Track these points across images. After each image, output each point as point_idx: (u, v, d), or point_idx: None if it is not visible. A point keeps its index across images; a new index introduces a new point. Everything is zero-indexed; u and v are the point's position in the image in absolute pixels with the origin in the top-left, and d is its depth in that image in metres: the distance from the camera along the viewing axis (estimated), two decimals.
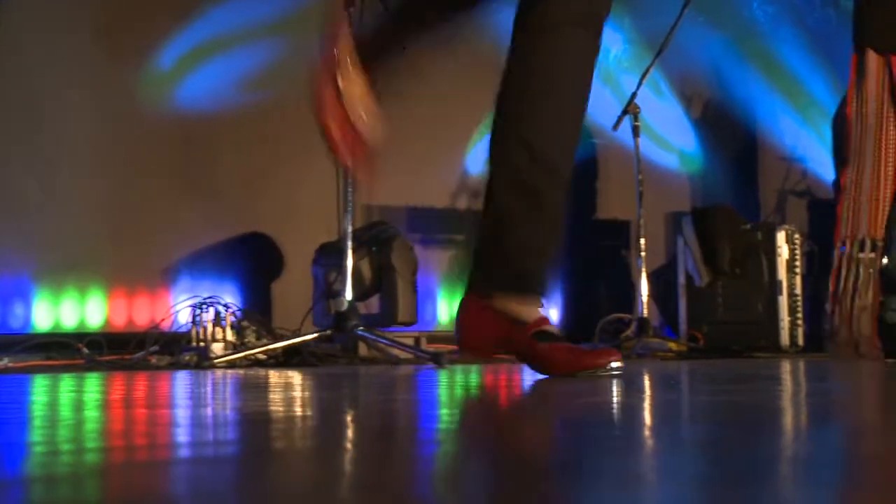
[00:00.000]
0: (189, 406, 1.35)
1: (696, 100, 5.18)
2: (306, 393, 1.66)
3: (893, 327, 2.94)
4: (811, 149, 5.08)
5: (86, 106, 3.65)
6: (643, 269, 3.85)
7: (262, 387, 1.80)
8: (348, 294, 2.90)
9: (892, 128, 2.89)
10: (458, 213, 4.50)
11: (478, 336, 1.83)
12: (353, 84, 1.78)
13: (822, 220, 4.75)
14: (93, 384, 1.93)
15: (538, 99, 1.78)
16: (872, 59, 2.90)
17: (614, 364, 1.79)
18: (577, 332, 4.44)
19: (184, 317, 3.18)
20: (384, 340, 2.83)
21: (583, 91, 1.81)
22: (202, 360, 2.89)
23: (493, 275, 1.82)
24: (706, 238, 4.25)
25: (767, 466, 0.68)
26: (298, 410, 1.24)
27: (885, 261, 3.05)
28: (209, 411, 1.24)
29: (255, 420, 1.11)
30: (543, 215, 1.79)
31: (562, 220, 1.82)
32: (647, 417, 1.11)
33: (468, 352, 1.87)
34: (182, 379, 2.15)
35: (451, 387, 1.71)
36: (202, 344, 3.00)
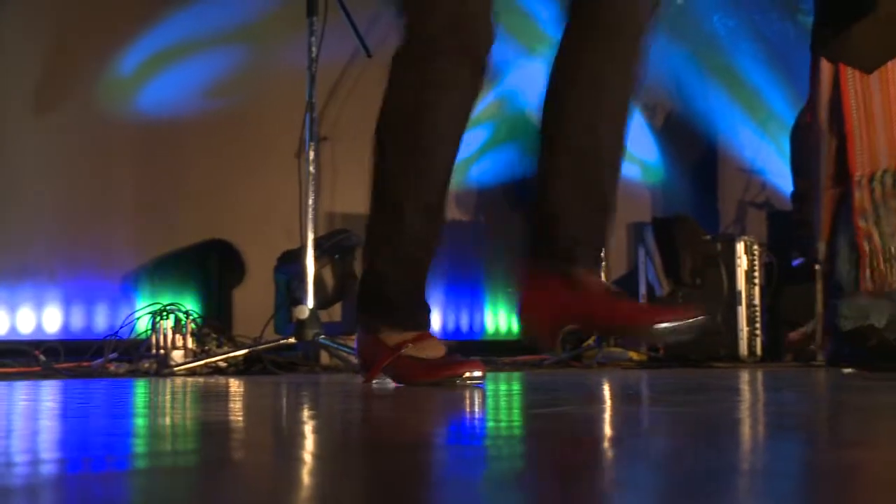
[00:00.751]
0: (148, 415, 1.34)
1: (657, 111, 5.23)
2: (261, 401, 1.65)
3: (847, 334, 2.97)
4: (770, 161, 5.15)
5: (44, 112, 3.60)
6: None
7: (221, 395, 1.79)
8: (310, 302, 2.89)
9: (833, 137, 2.94)
10: None
11: (369, 367, 1.86)
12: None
13: (781, 231, 4.82)
14: (49, 392, 1.90)
15: (407, 154, 1.80)
16: (825, 67, 2.95)
17: (475, 374, 1.78)
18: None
19: (143, 324, 3.14)
20: (345, 349, 2.82)
21: (454, 132, 1.82)
22: (161, 368, 2.87)
23: (371, 307, 1.86)
24: (667, 248, 4.29)
25: (724, 479, 0.69)
26: (253, 420, 1.23)
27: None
28: (167, 421, 1.23)
29: (213, 430, 1.10)
30: (420, 257, 1.82)
31: (432, 258, 1.85)
32: (607, 429, 1.12)
33: (368, 378, 1.88)
34: (141, 387, 2.13)
35: (404, 396, 1.71)
36: (162, 351, 2.97)
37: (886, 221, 2.84)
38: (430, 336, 1.84)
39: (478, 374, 1.78)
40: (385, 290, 1.83)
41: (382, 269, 1.83)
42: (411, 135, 1.79)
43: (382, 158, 1.82)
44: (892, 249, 2.84)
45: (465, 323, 4.61)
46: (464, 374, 1.78)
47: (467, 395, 1.63)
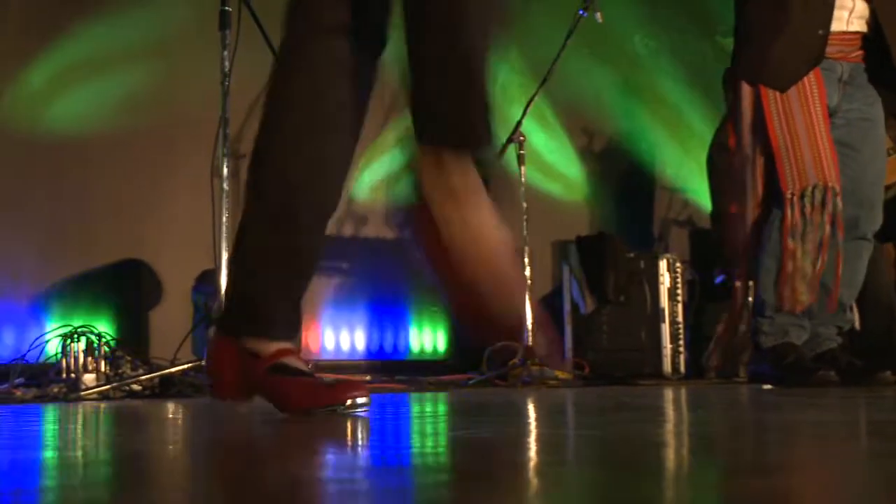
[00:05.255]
0: (55, 446, 1.26)
1: (582, 129, 5.26)
2: (160, 428, 1.58)
3: (766, 352, 3.01)
4: (692, 179, 5.22)
5: None
6: (529, 297, 3.86)
7: (130, 421, 1.70)
8: None
9: (759, 155, 2.99)
10: (344, 239, 4.44)
11: (222, 378, 1.67)
12: (477, 211, 1.41)
13: (703, 248, 4.88)
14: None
15: (293, 131, 1.60)
16: (746, 90, 2.99)
17: (360, 400, 1.59)
18: (465, 360, 4.43)
19: (53, 347, 3.02)
20: None
21: (345, 119, 1.62)
22: (70, 393, 2.75)
23: (233, 314, 1.67)
24: (591, 266, 4.30)
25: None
26: (157, 447, 1.16)
27: (750, 283, 3.14)
28: (76, 450, 1.16)
29: (124, 459, 1.03)
30: (293, 259, 1.64)
31: (317, 261, 1.68)
32: (534, 456, 1.08)
33: (219, 396, 1.71)
34: (49, 413, 2.03)
35: (322, 419, 1.65)
36: (73, 375, 2.86)
37: (810, 238, 2.88)
38: (298, 352, 1.66)
39: (362, 400, 1.60)
40: (259, 298, 1.64)
41: (259, 272, 1.64)
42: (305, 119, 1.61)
43: (269, 144, 1.63)
44: (808, 269, 2.88)
45: (388, 342, 4.55)
46: (346, 400, 1.59)
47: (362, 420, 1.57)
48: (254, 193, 1.65)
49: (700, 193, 5.03)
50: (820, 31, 2.92)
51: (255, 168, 1.65)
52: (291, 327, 1.67)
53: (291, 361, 1.63)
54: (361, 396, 1.60)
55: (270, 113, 1.64)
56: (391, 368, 4.23)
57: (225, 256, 2.90)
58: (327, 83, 1.61)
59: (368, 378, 3.75)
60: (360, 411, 1.60)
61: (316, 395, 1.59)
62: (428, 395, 2.88)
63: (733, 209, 3.07)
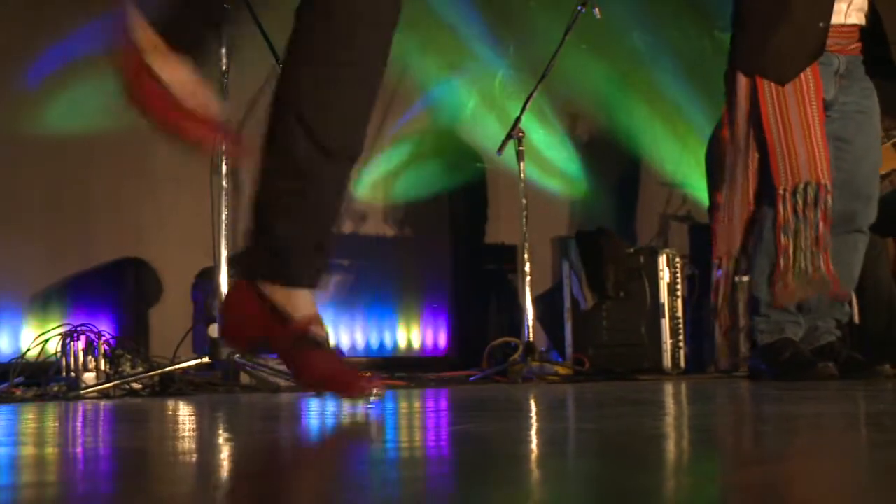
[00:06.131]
0: (57, 443, 1.26)
1: (580, 125, 5.26)
2: (160, 425, 1.58)
3: (764, 349, 3.01)
4: (690, 174, 5.22)
5: None
6: (529, 293, 3.87)
7: (128, 419, 1.71)
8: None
9: (753, 149, 2.98)
10: (344, 237, 4.44)
11: (238, 325, 1.66)
12: (176, 69, 1.62)
13: (703, 243, 4.88)
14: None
15: (320, 73, 1.61)
16: (742, 82, 2.98)
17: (375, 391, 1.59)
18: (465, 356, 4.43)
19: (53, 346, 3.02)
20: (262, 368, 2.75)
21: (372, 62, 1.62)
22: (70, 391, 2.75)
23: (259, 260, 1.64)
24: (591, 262, 4.30)
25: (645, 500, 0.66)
26: (156, 445, 1.17)
27: (745, 278, 3.14)
28: (77, 448, 1.16)
29: (122, 456, 1.04)
30: (315, 201, 1.62)
31: (339, 204, 1.66)
32: (534, 448, 1.08)
33: (227, 342, 1.68)
34: (49, 411, 2.03)
35: (314, 418, 1.65)
36: (72, 374, 2.86)
37: (804, 235, 2.88)
38: (319, 320, 1.63)
39: (378, 393, 1.60)
40: (279, 242, 1.62)
41: (276, 218, 1.62)
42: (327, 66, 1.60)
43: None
44: (803, 265, 2.88)
45: (389, 339, 4.56)
46: (371, 389, 1.58)
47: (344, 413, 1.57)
48: (269, 137, 1.64)
49: (699, 189, 5.03)
50: (821, 24, 2.91)
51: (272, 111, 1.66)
52: (312, 273, 1.64)
53: (317, 332, 1.61)
54: (378, 395, 1.60)
55: (289, 59, 1.65)
56: (392, 365, 4.23)
57: (224, 254, 2.90)
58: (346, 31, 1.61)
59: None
60: (372, 402, 1.61)
61: (339, 379, 1.59)
62: (429, 391, 2.88)
63: (720, 199, 3.06)
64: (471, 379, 3.62)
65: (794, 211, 2.88)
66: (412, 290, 4.65)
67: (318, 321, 1.63)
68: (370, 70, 1.64)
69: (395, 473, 0.87)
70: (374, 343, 4.48)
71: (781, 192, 2.89)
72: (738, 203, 3.00)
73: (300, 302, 1.62)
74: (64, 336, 2.92)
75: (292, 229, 1.62)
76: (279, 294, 1.62)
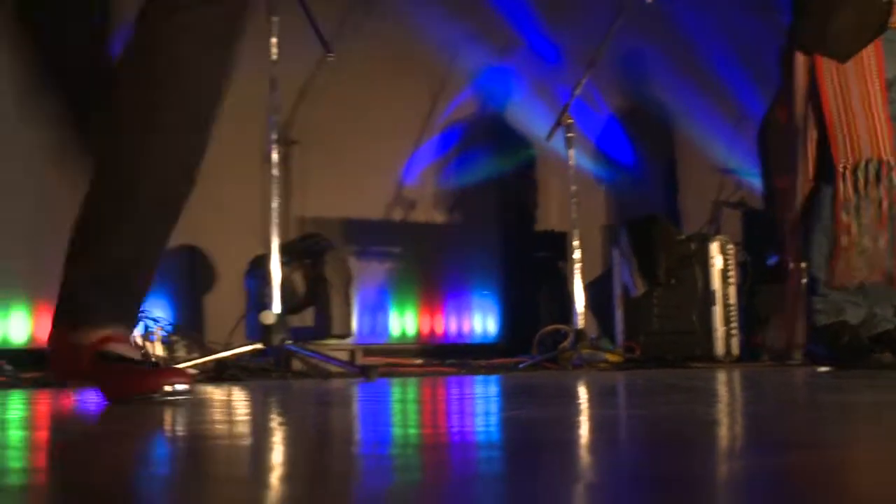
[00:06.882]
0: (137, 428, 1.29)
1: (630, 111, 5.22)
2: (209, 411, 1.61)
3: (821, 331, 2.95)
4: (744, 160, 5.15)
5: (8, 115, 3.53)
6: (579, 280, 3.85)
7: (184, 403, 1.74)
8: (276, 307, 2.84)
9: (813, 129, 2.91)
10: (394, 224, 4.46)
11: (62, 367, 1.64)
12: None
13: (756, 230, 4.82)
14: (16, 402, 1.85)
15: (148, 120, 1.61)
16: (800, 60, 2.92)
17: (179, 387, 1.53)
18: (515, 344, 4.43)
19: None
20: (313, 354, 2.78)
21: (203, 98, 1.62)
22: None
23: (59, 306, 1.64)
24: (641, 249, 4.27)
25: (701, 489, 0.66)
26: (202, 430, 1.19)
27: (803, 265, 3.08)
28: (148, 433, 1.19)
29: (185, 440, 1.06)
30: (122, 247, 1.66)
31: (157, 251, 1.68)
32: (584, 434, 1.09)
33: (58, 381, 1.68)
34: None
35: (369, 402, 1.67)
36: None
37: (866, 213, 2.82)
38: (126, 339, 1.62)
39: (182, 387, 1.54)
40: (76, 287, 1.62)
41: (75, 261, 1.62)
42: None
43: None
44: (866, 242, 2.81)
45: (439, 326, 4.57)
46: (163, 387, 1.53)
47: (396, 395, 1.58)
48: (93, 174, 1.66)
49: (752, 174, 4.97)
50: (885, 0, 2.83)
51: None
52: (117, 314, 1.63)
53: (116, 348, 1.58)
54: (181, 383, 1.55)
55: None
56: (442, 352, 4.25)
57: (276, 242, 2.93)
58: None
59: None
60: (181, 398, 1.54)
61: (131, 382, 1.55)
62: (479, 378, 2.89)
63: (782, 184, 3.00)
64: (520, 366, 3.62)
65: (856, 188, 2.81)
66: (462, 278, 4.66)
67: (114, 339, 1.59)
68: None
69: (444, 456, 0.88)
70: (425, 330, 4.50)
71: (841, 169, 2.81)
72: (800, 188, 2.94)
73: (89, 330, 1.60)
74: None
75: (88, 275, 1.64)
76: (81, 335, 1.60)
